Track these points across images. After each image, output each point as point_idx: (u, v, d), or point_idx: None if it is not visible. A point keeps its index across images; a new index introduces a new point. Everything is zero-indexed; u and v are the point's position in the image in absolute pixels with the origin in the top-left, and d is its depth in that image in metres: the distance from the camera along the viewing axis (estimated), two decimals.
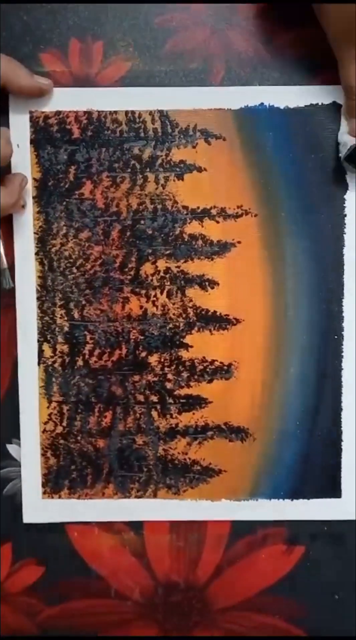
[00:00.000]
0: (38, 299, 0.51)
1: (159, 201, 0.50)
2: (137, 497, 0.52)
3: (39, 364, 0.51)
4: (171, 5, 0.49)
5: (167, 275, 0.51)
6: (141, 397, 0.51)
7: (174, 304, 0.51)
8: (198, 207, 0.50)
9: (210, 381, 0.51)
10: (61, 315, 0.51)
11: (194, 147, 0.50)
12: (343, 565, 0.52)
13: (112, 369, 0.51)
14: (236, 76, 0.49)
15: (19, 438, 0.51)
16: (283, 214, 0.50)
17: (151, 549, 0.52)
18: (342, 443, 0.51)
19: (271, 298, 0.50)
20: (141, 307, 0.51)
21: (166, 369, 0.51)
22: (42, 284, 0.51)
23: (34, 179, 0.50)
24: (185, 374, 0.51)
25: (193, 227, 0.50)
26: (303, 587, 0.52)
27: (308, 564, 0.52)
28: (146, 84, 0.49)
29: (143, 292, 0.51)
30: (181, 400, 0.51)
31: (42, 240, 0.50)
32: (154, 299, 0.51)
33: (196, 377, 0.51)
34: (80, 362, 0.51)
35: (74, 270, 0.51)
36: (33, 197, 0.50)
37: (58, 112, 0.50)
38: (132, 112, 0.50)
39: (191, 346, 0.51)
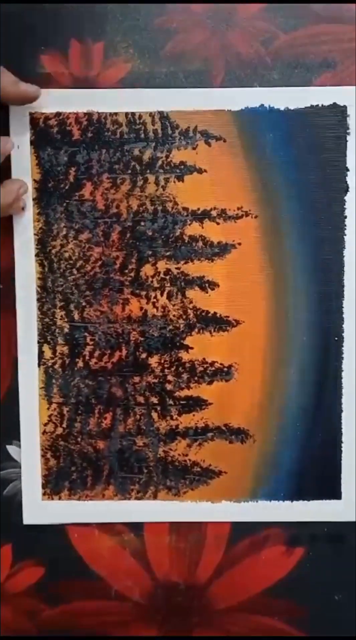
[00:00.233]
0: (38, 300, 0.51)
1: (160, 202, 0.50)
2: (137, 498, 0.52)
3: (39, 365, 0.51)
4: (171, 7, 0.49)
5: (168, 277, 0.50)
6: (141, 399, 0.51)
7: (174, 305, 0.51)
8: (198, 209, 0.50)
9: (210, 383, 0.51)
10: (61, 316, 0.51)
11: (194, 148, 0.50)
12: (343, 567, 0.52)
13: (113, 370, 0.51)
14: (236, 77, 0.49)
15: (19, 439, 0.51)
16: (284, 215, 0.50)
17: (151, 550, 0.52)
18: (342, 445, 0.51)
19: (271, 300, 0.50)
20: (141, 308, 0.51)
21: (166, 370, 0.51)
22: (42, 286, 0.51)
23: (34, 180, 0.50)
24: (185, 376, 0.51)
25: (193, 229, 0.50)
26: (303, 588, 0.52)
27: (308, 565, 0.52)
28: (146, 85, 0.49)
29: (143, 293, 0.51)
30: (181, 402, 0.51)
31: (42, 241, 0.50)
32: (154, 300, 0.51)
33: (196, 378, 0.51)
34: (80, 364, 0.51)
35: (74, 271, 0.51)
36: (33, 199, 0.50)
37: (58, 114, 0.50)
38: (133, 114, 0.50)
39: (191, 348, 0.51)
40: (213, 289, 0.51)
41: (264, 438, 0.51)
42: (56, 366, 0.51)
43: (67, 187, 0.50)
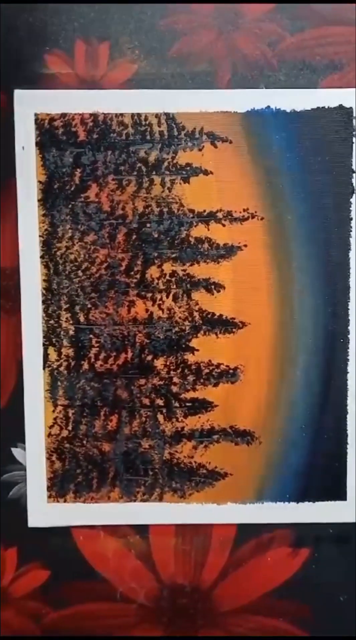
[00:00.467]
0: (43, 302, 0.50)
1: (165, 204, 0.50)
2: (142, 500, 0.51)
3: (44, 367, 0.51)
4: (177, 7, 0.49)
5: (173, 279, 0.50)
6: (146, 401, 0.51)
7: (180, 307, 0.51)
8: (204, 210, 0.50)
9: (216, 384, 0.51)
10: (66, 318, 0.51)
11: (200, 150, 0.50)
12: (348, 568, 0.52)
13: (118, 372, 0.51)
14: (243, 79, 0.49)
15: (24, 442, 0.51)
16: (290, 217, 0.50)
17: (156, 552, 0.52)
18: (347, 446, 0.51)
19: (277, 301, 0.50)
20: (147, 310, 0.51)
21: (171, 372, 0.51)
22: (47, 287, 0.50)
23: (39, 181, 0.50)
24: (191, 378, 0.51)
25: (199, 231, 0.50)
26: (308, 590, 0.52)
27: (313, 567, 0.52)
28: (152, 87, 0.49)
29: (149, 295, 0.50)
30: (187, 404, 0.51)
31: (48, 243, 0.50)
32: (160, 302, 0.50)
33: (202, 380, 0.51)
34: (85, 366, 0.51)
35: (80, 273, 0.50)
36: (38, 200, 0.50)
37: (63, 115, 0.49)
38: (138, 115, 0.49)
39: (197, 350, 0.51)
40: (218, 291, 0.51)
41: (270, 440, 0.51)
42: (61, 368, 0.51)
43: (72, 189, 0.50)
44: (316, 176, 0.50)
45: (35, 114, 0.49)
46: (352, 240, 0.50)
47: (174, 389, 0.51)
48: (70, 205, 0.50)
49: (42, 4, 0.49)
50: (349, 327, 0.51)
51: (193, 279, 0.50)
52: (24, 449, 0.51)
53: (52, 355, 0.51)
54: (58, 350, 0.51)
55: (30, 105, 0.49)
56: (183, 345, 0.51)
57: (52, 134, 0.49)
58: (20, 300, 0.50)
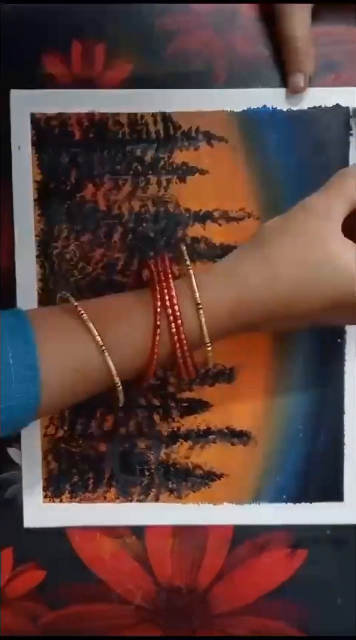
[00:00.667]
0: (39, 302, 0.50)
1: (161, 204, 0.50)
2: (139, 501, 0.51)
3: None
4: (173, 7, 0.49)
5: None
6: (142, 401, 0.51)
7: None
8: (200, 210, 0.50)
9: (212, 385, 0.51)
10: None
11: (196, 149, 0.50)
12: (346, 569, 0.52)
13: None
14: (239, 78, 0.49)
15: (19, 442, 0.51)
16: None
17: (152, 553, 0.52)
18: (344, 447, 0.51)
19: None
20: None
21: (168, 372, 0.51)
22: (43, 287, 0.50)
23: (36, 181, 0.50)
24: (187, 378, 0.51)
25: (195, 230, 0.50)
26: (306, 591, 0.52)
27: (310, 568, 0.52)
28: (148, 86, 0.49)
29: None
30: (183, 404, 0.51)
31: (44, 242, 0.50)
32: None
33: (198, 380, 0.51)
34: None
35: (76, 273, 0.50)
36: (34, 200, 0.50)
37: (60, 114, 0.49)
38: (135, 114, 0.49)
39: None
40: None
41: (266, 440, 0.51)
42: None
43: (68, 188, 0.50)
44: (313, 175, 0.49)
45: (32, 114, 0.49)
46: None
47: (171, 389, 0.51)
48: (66, 205, 0.50)
49: (39, 4, 0.49)
50: (345, 327, 0.50)
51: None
52: (20, 448, 0.51)
53: None
54: None
55: (26, 104, 0.49)
56: None
57: (48, 133, 0.49)
58: (16, 300, 0.50)
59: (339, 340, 0.50)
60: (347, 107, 0.49)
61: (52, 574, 0.52)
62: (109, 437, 0.51)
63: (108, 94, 0.49)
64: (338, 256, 0.40)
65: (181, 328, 0.40)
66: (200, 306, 0.40)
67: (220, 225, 0.50)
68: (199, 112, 0.49)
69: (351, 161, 0.49)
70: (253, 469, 0.51)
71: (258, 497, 0.51)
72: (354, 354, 0.50)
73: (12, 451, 0.51)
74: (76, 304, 0.40)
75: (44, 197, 0.50)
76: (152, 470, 0.51)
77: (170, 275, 0.41)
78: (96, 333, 0.39)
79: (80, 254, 0.50)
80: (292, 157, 0.50)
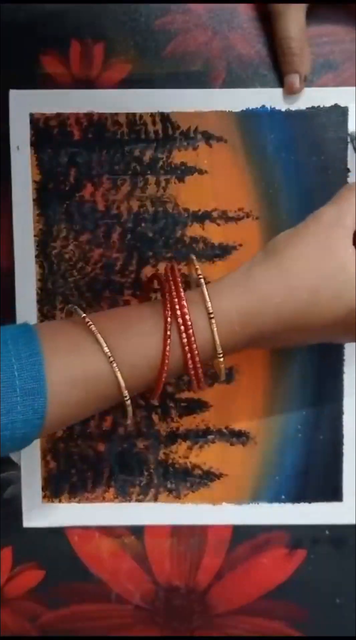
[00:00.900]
0: (38, 302, 0.50)
1: (160, 204, 0.50)
2: (138, 501, 0.51)
3: None
4: (172, 7, 0.49)
5: None
6: (141, 401, 0.51)
7: None
8: (199, 210, 0.50)
9: (211, 385, 0.51)
10: (61, 318, 0.50)
11: (195, 149, 0.50)
12: (345, 569, 0.52)
13: None
14: (238, 78, 0.49)
15: None
16: (285, 216, 0.50)
17: (151, 553, 0.52)
18: (343, 447, 0.51)
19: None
20: None
21: None
22: (42, 287, 0.50)
23: (34, 181, 0.50)
24: (186, 377, 0.50)
25: (193, 230, 0.50)
26: (305, 591, 0.52)
27: (309, 568, 0.52)
28: (147, 86, 0.49)
29: (144, 295, 0.50)
30: (182, 404, 0.51)
31: (43, 242, 0.50)
32: None
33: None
34: None
35: (75, 273, 0.50)
36: (33, 200, 0.50)
37: (59, 114, 0.49)
38: (133, 114, 0.49)
39: None
40: None
41: (265, 440, 0.51)
42: None
43: (67, 188, 0.50)
44: (311, 175, 0.50)
45: (31, 114, 0.49)
46: None
47: (170, 388, 0.51)
48: (65, 205, 0.50)
49: (37, 4, 0.49)
50: None
51: (188, 278, 0.50)
52: None
53: None
54: None
55: (25, 105, 0.49)
56: None
57: (47, 133, 0.50)
58: (15, 299, 0.50)
59: None
60: (346, 107, 0.49)
61: (51, 573, 0.52)
62: (108, 437, 0.51)
63: (107, 94, 0.49)
64: (352, 265, 0.40)
65: (193, 338, 0.39)
66: (212, 315, 0.39)
67: (219, 225, 0.50)
68: (198, 112, 0.49)
69: (350, 161, 0.49)
70: (252, 469, 0.51)
71: (257, 497, 0.51)
72: (353, 354, 0.50)
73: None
74: (84, 315, 0.39)
75: (43, 197, 0.50)
76: (151, 470, 0.51)
77: (180, 286, 0.40)
78: (104, 345, 0.38)
79: (79, 254, 0.50)
80: (291, 157, 0.50)
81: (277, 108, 0.49)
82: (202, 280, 0.41)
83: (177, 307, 0.39)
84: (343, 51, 0.49)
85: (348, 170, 0.49)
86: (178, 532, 0.51)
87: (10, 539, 0.52)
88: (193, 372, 0.40)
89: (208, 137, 0.50)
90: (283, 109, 0.49)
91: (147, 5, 0.49)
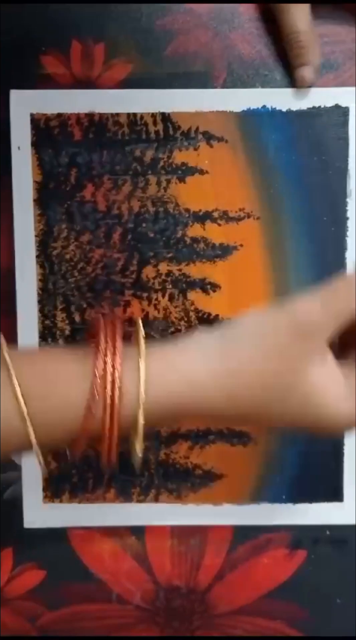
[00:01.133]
0: (39, 302, 0.50)
1: (161, 204, 0.50)
2: (138, 501, 0.51)
3: None
4: (173, 7, 0.49)
5: (169, 279, 0.50)
6: None
7: (175, 307, 0.50)
8: (200, 210, 0.50)
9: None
10: (62, 318, 0.50)
11: (196, 149, 0.50)
12: (345, 569, 0.52)
13: None
14: (239, 78, 0.49)
15: None
16: (286, 216, 0.50)
17: (152, 553, 0.52)
18: (344, 447, 0.51)
19: (273, 301, 0.50)
20: (143, 310, 0.50)
21: None
22: (43, 287, 0.50)
23: (35, 181, 0.50)
24: None
25: (194, 230, 0.50)
26: (305, 591, 0.52)
27: (310, 568, 0.52)
28: (147, 86, 0.49)
29: (145, 295, 0.50)
30: None
31: (43, 243, 0.50)
32: (156, 302, 0.50)
33: None
34: None
35: (76, 273, 0.50)
36: (34, 200, 0.50)
37: (59, 114, 0.49)
38: (134, 115, 0.49)
39: None
40: (214, 291, 0.50)
41: (266, 440, 0.51)
42: None
43: (68, 189, 0.50)
44: (312, 176, 0.50)
45: (31, 114, 0.49)
46: (348, 239, 0.50)
47: None
48: (66, 205, 0.50)
49: (38, 4, 0.49)
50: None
51: (188, 278, 0.50)
52: None
53: None
54: None
55: (26, 105, 0.49)
56: None
57: (48, 133, 0.49)
58: (16, 300, 0.50)
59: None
60: (347, 107, 0.49)
61: (52, 574, 0.52)
62: None
63: (108, 94, 0.49)
64: (312, 381, 0.36)
65: (116, 416, 0.35)
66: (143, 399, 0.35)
67: (220, 225, 0.50)
68: (199, 112, 0.49)
69: (351, 161, 0.49)
70: (252, 469, 0.51)
71: (257, 497, 0.51)
72: None
73: None
74: (7, 355, 0.35)
75: (44, 197, 0.50)
76: (152, 471, 0.51)
77: (118, 345, 0.36)
78: (20, 397, 0.34)
79: (80, 254, 0.50)
80: (292, 157, 0.50)
81: (278, 108, 0.49)
82: (142, 350, 0.36)
83: (109, 371, 0.35)
84: (343, 51, 0.49)
85: (349, 170, 0.49)
86: (178, 532, 0.51)
87: (11, 539, 0.52)
88: (106, 449, 0.37)
89: (208, 137, 0.49)
90: (284, 109, 0.49)
91: (148, 5, 0.49)
